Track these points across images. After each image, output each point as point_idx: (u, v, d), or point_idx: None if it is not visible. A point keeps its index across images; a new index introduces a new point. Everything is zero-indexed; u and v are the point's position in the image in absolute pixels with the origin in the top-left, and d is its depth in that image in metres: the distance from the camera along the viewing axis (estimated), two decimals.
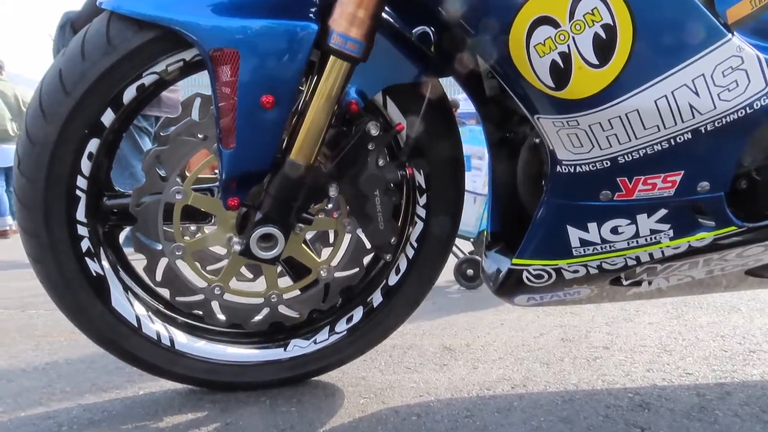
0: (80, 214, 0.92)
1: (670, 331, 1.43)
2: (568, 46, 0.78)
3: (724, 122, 0.82)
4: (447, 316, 1.69)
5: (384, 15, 0.92)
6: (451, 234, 1.08)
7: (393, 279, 1.08)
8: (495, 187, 1.05)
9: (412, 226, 1.06)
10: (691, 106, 0.81)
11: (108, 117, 0.90)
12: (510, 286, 0.98)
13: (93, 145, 0.90)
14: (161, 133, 0.99)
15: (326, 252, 1.08)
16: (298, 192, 0.90)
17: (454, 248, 2.15)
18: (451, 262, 2.15)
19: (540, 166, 0.99)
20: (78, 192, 0.91)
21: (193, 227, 1.05)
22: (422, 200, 1.05)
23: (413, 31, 1.01)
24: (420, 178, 1.04)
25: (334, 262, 1.04)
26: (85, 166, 0.91)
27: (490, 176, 1.06)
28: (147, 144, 3.19)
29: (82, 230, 0.93)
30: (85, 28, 0.91)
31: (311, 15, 0.86)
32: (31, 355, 1.34)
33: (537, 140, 0.97)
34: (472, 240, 2.29)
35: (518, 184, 1.05)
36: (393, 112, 0.99)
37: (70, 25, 2.71)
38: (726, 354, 1.24)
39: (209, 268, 1.06)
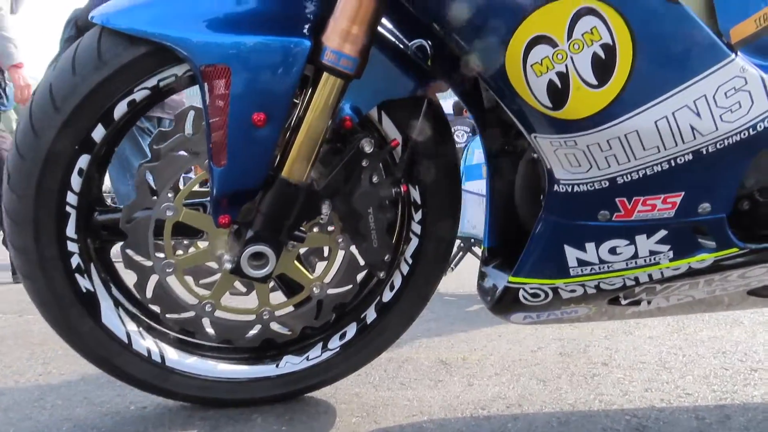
0: (70, 230, 0.91)
1: (671, 347, 1.41)
2: (566, 65, 0.76)
3: (726, 144, 0.80)
4: (444, 326, 1.68)
5: (379, 28, 0.90)
6: (447, 250, 1.07)
7: (387, 295, 1.06)
8: (493, 200, 1.04)
9: (407, 243, 1.05)
10: (692, 128, 0.79)
11: (98, 133, 0.88)
12: (506, 304, 0.97)
13: (83, 161, 0.89)
14: (154, 147, 0.98)
15: (320, 267, 1.07)
16: (290, 210, 0.89)
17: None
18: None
19: (539, 180, 0.97)
20: (68, 208, 0.90)
21: (185, 242, 1.03)
22: (417, 216, 1.03)
23: (410, 43, 0.99)
24: (415, 194, 1.02)
25: (327, 279, 1.03)
26: (75, 182, 0.89)
27: (487, 189, 1.04)
28: None
29: (72, 246, 0.92)
30: (77, 41, 0.89)
31: (304, 31, 0.85)
32: (26, 364, 1.34)
33: (535, 155, 0.95)
34: None
35: (516, 197, 1.03)
36: (388, 127, 0.97)
37: (75, 22, 2.71)
38: (727, 372, 1.21)
39: (202, 281, 1.05)
